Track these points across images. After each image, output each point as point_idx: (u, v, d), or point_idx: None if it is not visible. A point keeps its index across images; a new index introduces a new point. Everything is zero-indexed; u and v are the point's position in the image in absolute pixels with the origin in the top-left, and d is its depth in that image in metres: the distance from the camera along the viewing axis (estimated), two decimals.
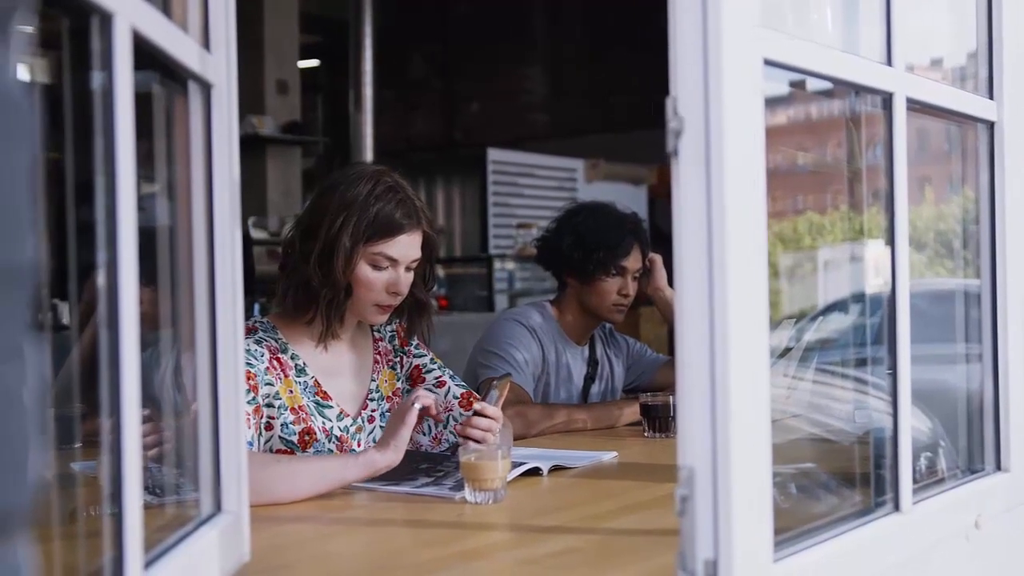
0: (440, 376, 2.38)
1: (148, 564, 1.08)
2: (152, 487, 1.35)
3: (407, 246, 2.19)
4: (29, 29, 0.57)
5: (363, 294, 2.18)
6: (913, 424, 1.55)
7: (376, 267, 2.17)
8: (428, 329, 2.36)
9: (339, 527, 1.78)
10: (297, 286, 2.18)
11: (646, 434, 2.65)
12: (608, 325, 3.18)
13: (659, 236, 3.33)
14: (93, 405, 1.08)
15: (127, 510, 1.00)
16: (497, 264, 7.56)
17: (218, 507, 1.36)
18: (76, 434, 1.69)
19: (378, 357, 2.36)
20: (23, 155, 0.54)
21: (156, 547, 1.16)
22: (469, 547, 1.64)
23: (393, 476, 2.03)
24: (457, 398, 2.33)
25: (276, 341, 2.21)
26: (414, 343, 2.41)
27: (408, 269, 2.21)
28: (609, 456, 2.34)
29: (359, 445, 2.24)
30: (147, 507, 1.07)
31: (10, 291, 0.53)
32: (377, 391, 2.32)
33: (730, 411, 1.14)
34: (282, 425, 2.14)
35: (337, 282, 2.14)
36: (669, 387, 2.95)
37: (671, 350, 3.64)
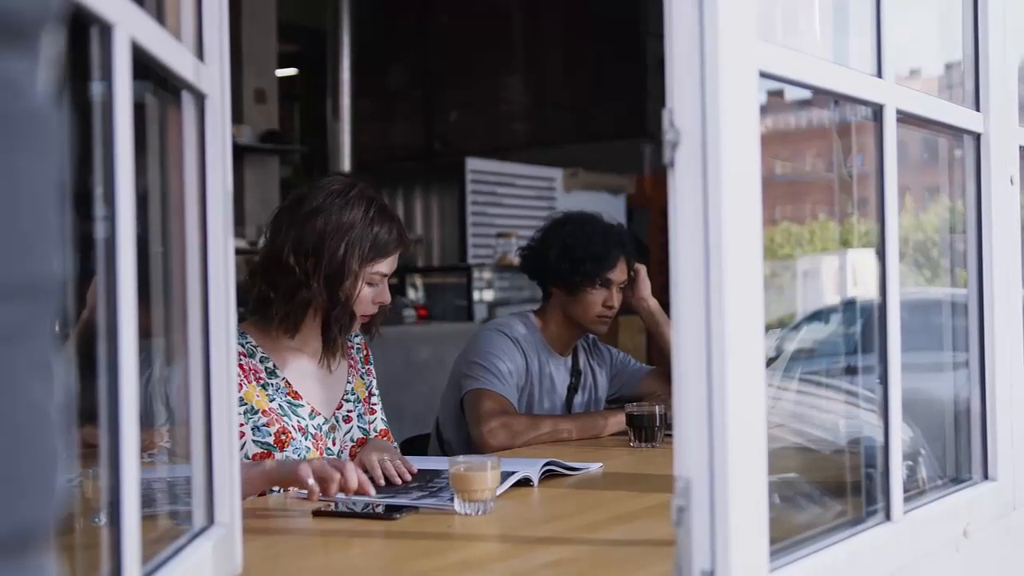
0: (375, 404, 2.49)
1: None
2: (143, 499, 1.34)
3: (395, 261, 2.33)
4: (58, 43, 0.57)
5: (355, 309, 2.28)
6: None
7: (370, 284, 2.28)
8: (378, 326, 2.43)
9: (330, 539, 1.77)
10: (302, 306, 2.25)
11: (632, 444, 2.65)
12: (591, 335, 3.18)
13: (638, 245, 3.33)
14: (81, 416, 1.07)
15: (125, 523, 0.99)
16: (476, 273, 7.55)
17: (211, 520, 1.35)
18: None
19: (352, 362, 2.44)
20: (52, 170, 0.53)
21: (150, 560, 1.15)
22: (461, 558, 1.63)
23: (388, 490, 2.03)
24: (377, 432, 2.42)
25: (243, 346, 2.25)
26: (371, 362, 2.52)
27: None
28: (596, 467, 2.34)
29: (334, 444, 2.32)
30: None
31: (39, 306, 0.53)
32: (352, 393, 2.40)
33: (727, 422, 1.14)
34: (254, 428, 2.19)
35: (349, 304, 2.25)
36: (653, 397, 2.96)
37: (650, 359, 3.66)
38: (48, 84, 0.54)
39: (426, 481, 2.12)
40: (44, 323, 0.53)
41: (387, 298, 2.32)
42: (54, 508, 0.54)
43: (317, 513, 1.88)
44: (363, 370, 2.48)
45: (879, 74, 1.51)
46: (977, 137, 1.82)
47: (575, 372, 3.13)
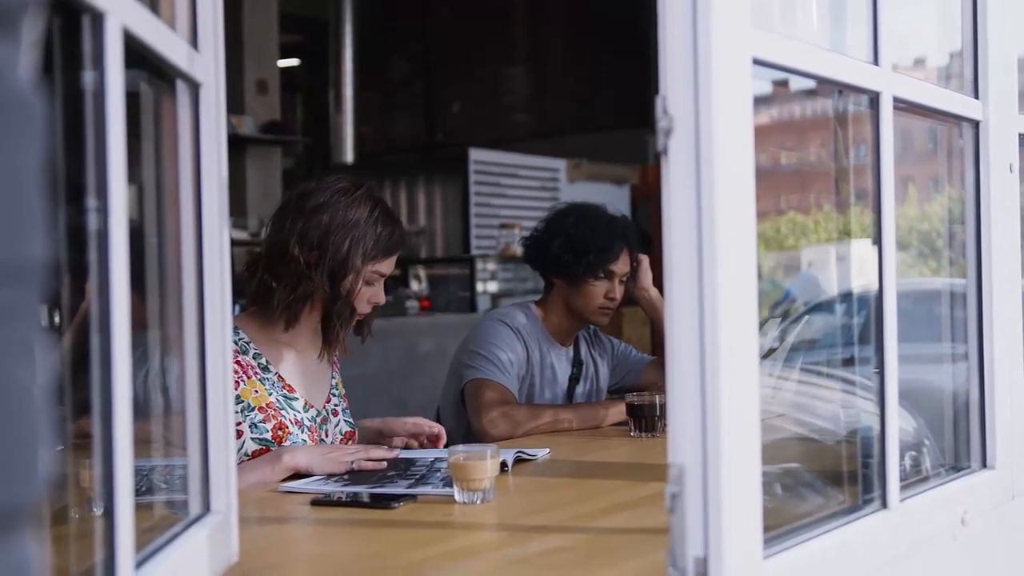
0: (341, 405, 2.48)
1: (139, 564, 1.08)
2: (139, 487, 1.34)
3: (394, 263, 2.37)
4: (38, 26, 0.57)
5: (355, 308, 2.32)
6: (898, 424, 1.56)
7: (368, 283, 2.31)
8: (371, 325, 2.46)
9: (327, 527, 1.78)
10: (303, 298, 2.27)
11: (632, 434, 2.66)
12: (593, 326, 3.18)
13: (641, 236, 3.33)
14: (78, 406, 1.07)
15: (118, 511, 1.00)
16: (479, 265, 7.55)
17: (207, 507, 1.35)
18: (61, 436, 1.68)
19: (335, 360, 2.48)
20: (33, 154, 0.54)
21: (146, 547, 1.15)
22: (459, 546, 1.64)
23: (369, 480, 2.03)
24: (342, 435, 2.43)
25: (236, 343, 2.26)
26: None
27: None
28: (544, 452, 2.37)
29: (326, 435, 2.37)
30: (135, 507, 1.07)
31: (22, 288, 0.53)
32: (336, 388, 2.46)
33: (720, 409, 1.14)
34: (251, 426, 2.22)
35: (350, 299, 2.28)
36: (654, 387, 2.96)
37: (654, 350, 3.66)
38: (29, 69, 0.54)
39: (404, 469, 2.13)
40: (27, 306, 0.54)
41: (381, 299, 2.36)
42: (37, 489, 0.54)
43: (315, 502, 1.88)
44: (339, 368, 2.53)
45: (875, 62, 1.51)
46: (976, 125, 1.81)
47: (577, 362, 3.13)
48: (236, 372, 2.21)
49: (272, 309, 2.27)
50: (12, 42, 0.52)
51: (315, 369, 2.40)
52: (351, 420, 2.47)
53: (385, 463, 2.15)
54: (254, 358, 2.29)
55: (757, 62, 1.23)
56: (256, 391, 2.25)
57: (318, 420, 2.35)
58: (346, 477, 2.08)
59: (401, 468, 2.14)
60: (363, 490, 1.95)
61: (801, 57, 1.36)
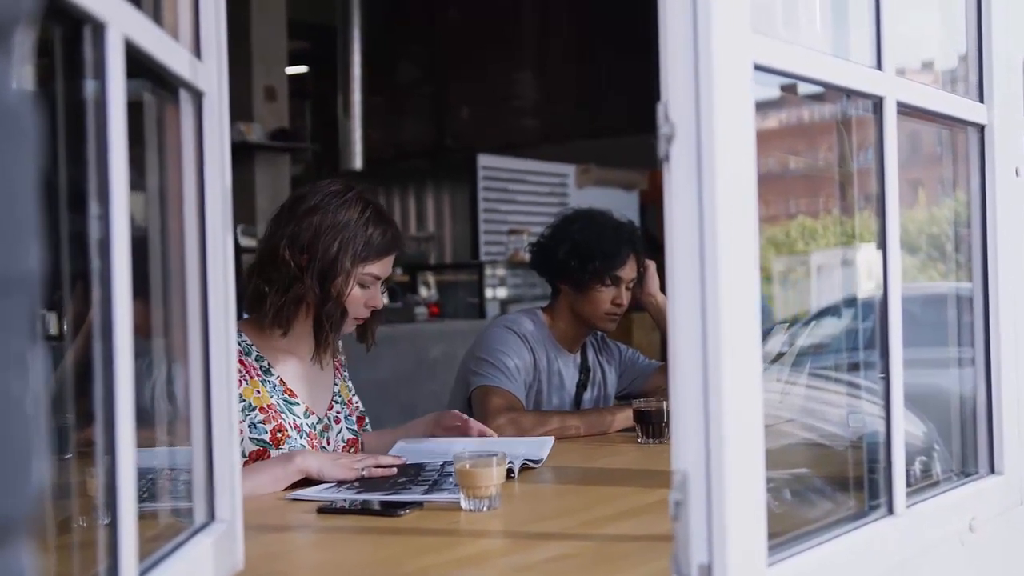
0: (343, 413, 2.47)
1: (143, 573, 1.08)
2: (143, 495, 1.34)
3: (390, 265, 2.36)
4: (31, 39, 0.57)
5: (347, 310, 2.32)
6: (907, 429, 1.55)
7: (362, 286, 2.31)
8: (374, 332, 2.45)
9: (333, 535, 1.78)
10: (295, 301, 2.27)
11: (639, 440, 2.65)
12: (600, 332, 3.18)
13: (650, 242, 3.32)
14: (85, 416, 1.07)
15: (122, 519, 1.00)
16: (488, 271, 7.55)
17: (212, 516, 1.36)
18: (68, 445, 1.68)
19: (337, 365, 2.49)
20: (27, 165, 0.54)
21: (150, 556, 1.15)
22: (465, 554, 1.64)
23: (381, 488, 2.03)
24: (344, 442, 2.43)
25: (239, 344, 2.27)
26: (345, 366, 2.54)
27: (384, 284, 2.37)
28: (547, 443, 2.40)
29: (328, 443, 2.37)
30: (140, 515, 1.07)
31: (14, 299, 0.53)
32: (339, 395, 2.45)
33: (723, 415, 1.14)
34: (251, 426, 2.22)
35: (340, 301, 2.27)
36: (662, 393, 2.95)
37: (663, 356, 3.66)
38: (22, 81, 0.55)
39: (414, 476, 2.13)
40: (20, 317, 0.54)
41: (379, 303, 2.35)
42: (30, 501, 0.55)
43: (321, 510, 1.88)
44: (345, 374, 2.53)
45: (879, 66, 1.50)
46: (981, 129, 1.81)
47: (584, 369, 3.13)
48: (239, 371, 2.22)
49: (266, 314, 2.27)
50: (4, 55, 0.52)
51: (317, 376, 2.40)
52: (355, 428, 2.47)
53: (395, 470, 2.15)
54: (256, 360, 2.29)
55: (758, 67, 1.23)
56: (258, 391, 2.25)
57: (319, 427, 2.35)
58: (357, 484, 2.07)
59: (411, 475, 2.14)
60: (376, 497, 1.95)
61: (803, 62, 1.36)
